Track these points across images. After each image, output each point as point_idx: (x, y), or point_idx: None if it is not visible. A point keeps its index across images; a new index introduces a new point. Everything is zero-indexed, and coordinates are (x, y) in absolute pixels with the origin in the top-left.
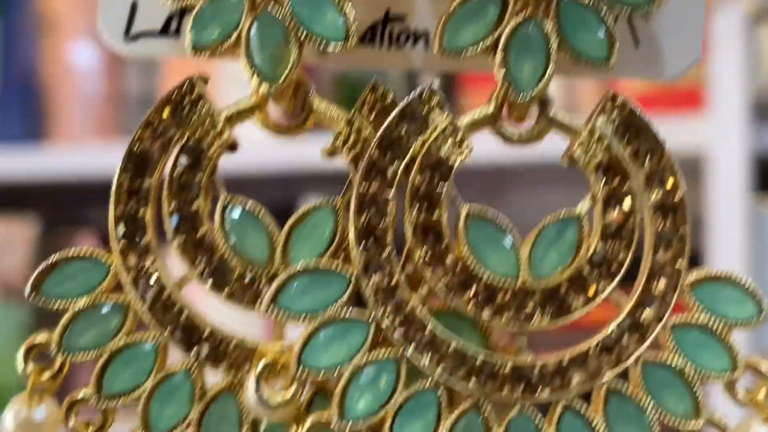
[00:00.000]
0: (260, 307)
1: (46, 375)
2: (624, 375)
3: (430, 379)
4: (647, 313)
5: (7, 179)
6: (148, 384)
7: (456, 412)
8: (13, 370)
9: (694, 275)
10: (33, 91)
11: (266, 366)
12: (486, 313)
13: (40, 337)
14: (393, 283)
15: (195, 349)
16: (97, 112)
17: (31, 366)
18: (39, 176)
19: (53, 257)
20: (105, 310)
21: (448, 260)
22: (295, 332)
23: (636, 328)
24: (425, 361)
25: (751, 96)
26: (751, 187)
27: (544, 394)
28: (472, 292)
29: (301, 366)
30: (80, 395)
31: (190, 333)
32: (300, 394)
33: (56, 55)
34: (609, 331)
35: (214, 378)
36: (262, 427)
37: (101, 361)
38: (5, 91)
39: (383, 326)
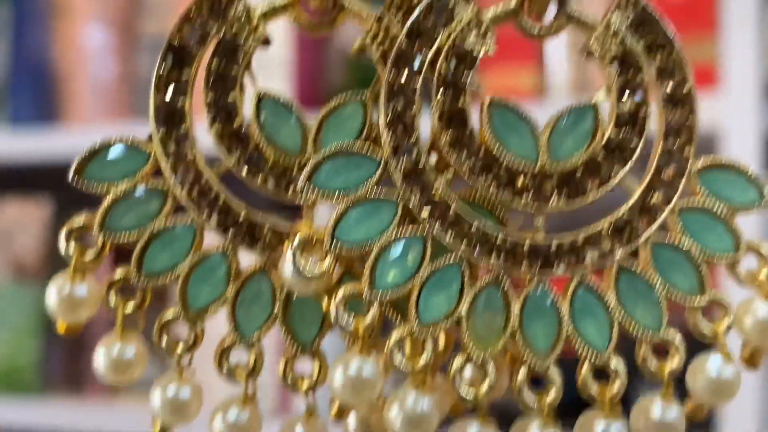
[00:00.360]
0: (294, 190)
1: (89, 255)
2: (634, 255)
3: (453, 254)
4: (657, 197)
5: (19, 161)
6: (186, 264)
7: (477, 286)
8: (27, 351)
9: (701, 162)
10: (45, 73)
11: (303, 240)
12: (506, 195)
13: (80, 220)
14: (420, 165)
15: (231, 231)
16: (109, 93)
17: (72, 246)
18: (51, 158)
19: (95, 143)
20: (145, 194)
21: (472, 145)
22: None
23: (646, 211)
24: (449, 238)
25: (764, 74)
26: (764, 165)
27: (559, 270)
28: (493, 175)
29: (334, 240)
30: (121, 274)
31: (226, 216)
32: (333, 267)
33: (68, 38)
34: (621, 213)
35: (248, 260)
36: (293, 301)
37: (141, 242)
38: (17, 74)
39: (411, 206)
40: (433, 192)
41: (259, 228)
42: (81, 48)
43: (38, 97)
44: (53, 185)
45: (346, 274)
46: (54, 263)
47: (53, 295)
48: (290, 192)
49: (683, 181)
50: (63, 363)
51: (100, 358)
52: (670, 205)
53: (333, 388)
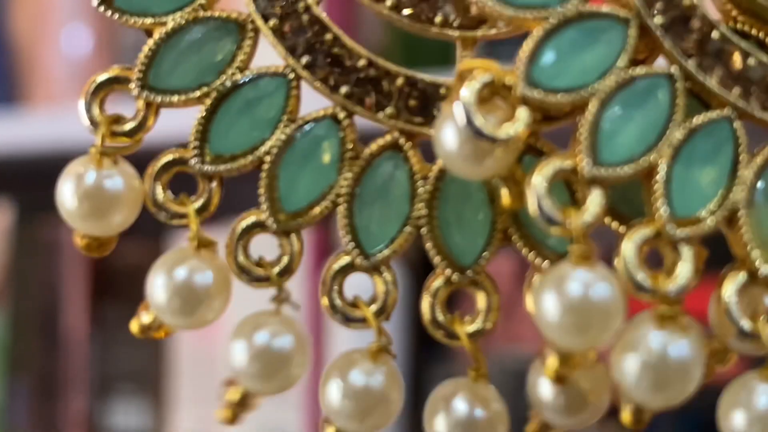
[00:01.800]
0: (442, 23)
1: (125, 127)
2: None
3: (721, 107)
4: None
5: None
6: (276, 139)
7: (759, 156)
8: None
9: None
10: (3, 47)
11: (485, 83)
12: None
13: (113, 71)
14: None
15: (345, 87)
16: (84, 69)
17: (98, 113)
18: (13, 150)
19: None
20: (210, 30)
21: None
22: None
23: None
24: (714, 79)
25: None
26: None
27: None
28: None
29: (531, 86)
30: (172, 156)
31: (339, 64)
32: (529, 127)
33: (31, 6)
34: None
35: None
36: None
37: (206, 105)
38: None
39: (651, 26)
40: (683, 6)
41: (389, 81)
42: (48, 17)
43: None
44: (16, 185)
45: (529, 155)
46: (19, 284)
47: (69, 189)
48: (437, 21)
49: None
50: (31, 408)
51: (158, 286)
52: None
53: (542, 326)
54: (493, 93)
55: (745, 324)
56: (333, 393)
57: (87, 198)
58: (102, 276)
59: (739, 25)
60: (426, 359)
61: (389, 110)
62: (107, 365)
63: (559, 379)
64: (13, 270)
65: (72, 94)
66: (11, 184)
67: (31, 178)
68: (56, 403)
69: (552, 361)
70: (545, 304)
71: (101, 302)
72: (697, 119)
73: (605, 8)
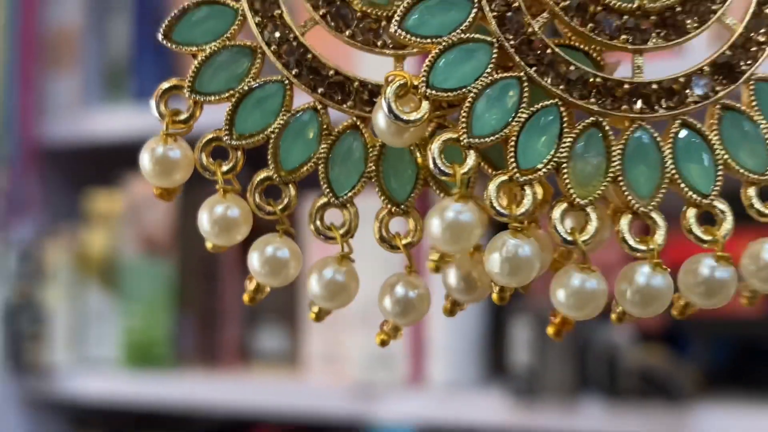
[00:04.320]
0: (383, 43)
1: (181, 117)
2: (737, 96)
3: (552, 98)
4: (758, 36)
5: (144, 137)
6: (277, 123)
7: (577, 129)
8: (160, 325)
9: None
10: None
11: (401, 85)
12: (603, 35)
13: (172, 81)
14: (515, 5)
15: (321, 88)
16: None
17: (164, 109)
18: None
19: (183, 5)
20: (233, 53)
21: None
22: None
23: (747, 49)
24: (548, 80)
25: None
26: None
27: (660, 111)
28: (590, 15)
29: (429, 87)
30: (212, 135)
31: (316, 73)
32: (430, 113)
33: None
34: (722, 51)
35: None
36: (386, 158)
37: (232, 102)
38: (141, 48)
39: (506, 48)
40: (528, 33)
41: (349, 84)
42: None
43: (163, 71)
44: None
45: (438, 129)
46: (184, 238)
47: (147, 158)
48: (379, 46)
49: None
50: (196, 336)
51: (204, 220)
52: None
53: (431, 237)
54: (408, 91)
55: (566, 236)
56: (313, 283)
57: (157, 163)
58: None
59: (573, 42)
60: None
61: (350, 103)
62: None
63: (437, 269)
64: (180, 228)
65: None
66: None
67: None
68: (215, 332)
69: (432, 258)
70: (432, 224)
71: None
72: (536, 106)
73: (477, 35)
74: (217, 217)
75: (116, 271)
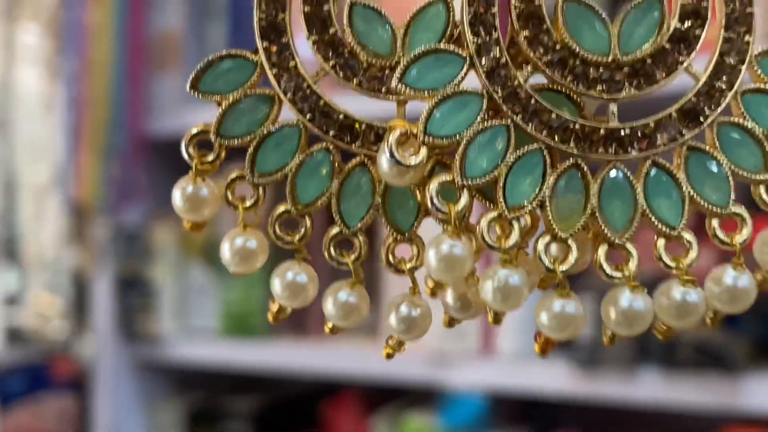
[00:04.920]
0: (387, 90)
1: (208, 158)
2: (701, 137)
3: (536, 142)
4: (721, 83)
5: None
6: (294, 163)
7: (559, 170)
8: (256, 298)
9: (760, 48)
10: None
11: (402, 133)
12: (582, 86)
13: (199, 127)
14: (502, 62)
15: (332, 131)
16: None
17: (192, 151)
18: None
19: (207, 58)
20: (254, 101)
21: (549, 41)
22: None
23: (711, 95)
24: (532, 127)
25: None
26: None
27: (633, 153)
28: (569, 68)
29: (427, 135)
30: (236, 174)
31: (327, 118)
32: (428, 158)
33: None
34: (688, 99)
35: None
36: (391, 194)
37: (253, 144)
38: None
39: (495, 99)
40: (514, 85)
41: (357, 127)
42: None
43: None
44: None
45: (438, 165)
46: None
47: (178, 195)
48: (383, 92)
49: (744, 66)
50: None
51: (225, 250)
52: (733, 90)
53: (428, 267)
54: (408, 138)
55: (549, 265)
56: (328, 304)
57: (188, 200)
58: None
59: (556, 87)
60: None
61: (358, 143)
62: None
63: (433, 293)
64: (271, 205)
65: None
66: None
67: None
68: (312, 304)
69: (429, 285)
70: (428, 255)
71: None
72: (522, 150)
73: (470, 89)
74: (237, 248)
75: (216, 249)
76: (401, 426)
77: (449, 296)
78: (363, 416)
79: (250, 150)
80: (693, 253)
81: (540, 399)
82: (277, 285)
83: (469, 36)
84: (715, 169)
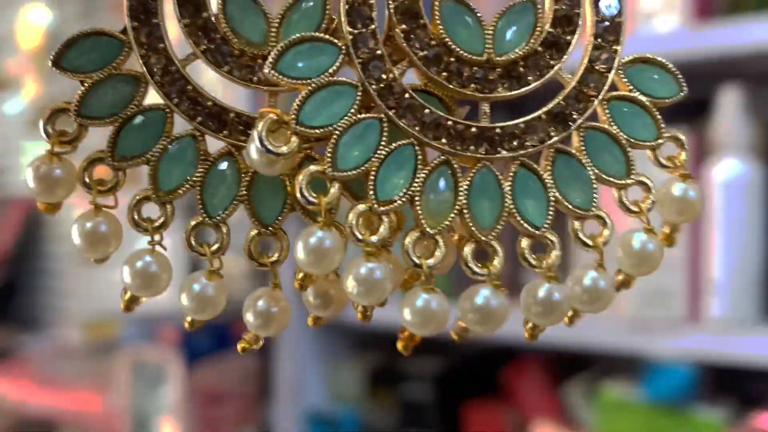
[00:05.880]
0: (259, 79)
1: (66, 138)
2: (568, 140)
3: (408, 137)
4: (588, 90)
5: None
6: (157, 147)
7: (430, 166)
8: None
9: (628, 57)
10: None
11: (273, 120)
12: (456, 84)
13: (60, 105)
14: (377, 55)
15: (199, 117)
16: None
17: (51, 129)
18: None
19: (72, 34)
20: (119, 82)
21: (424, 36)
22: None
23: (579, 100)
24: (405, 122)
25: None
26: None
27: (502, 153)
28: (444, 65)
29: (299, 124)
30: (96, 155)
31: (195, 104)
32: (298, 147)
33: None
34: (557, 102)
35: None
36: (257, 184)
37: (115, 126)
38: None
39: (369, 92)
40: (389, 79)
41: (225, 114)
42: None
43: None
44: None
45: (307, 158)
46: None
47: (30, 175)
48: (255, 81)
49: (612, 74)
50: None
51: (75, 233)
52: (600, 95)
53: (297, 259)
54: (279, 126)
55: (416, 260)
56: (183, 297)
57: (41, 181)
58: None
59: (429, 88)
60: None
61: (225, 132)
62: None
63: (302, 287)
64: None
65: None
66: None
67: None
68: None
69: (297, 278)
70: (298, 248)
71: None
72: (394, 144)
73: (344, 79)
74: (87, 230)
75: None
76: (599, 396)
77: (310, 293)
78: (550, 384)
79: (112, 131)
80: (556, 252)
81: (753, 370)
82: (126, 273)
83: (345, 27)
84: (581, 171)
